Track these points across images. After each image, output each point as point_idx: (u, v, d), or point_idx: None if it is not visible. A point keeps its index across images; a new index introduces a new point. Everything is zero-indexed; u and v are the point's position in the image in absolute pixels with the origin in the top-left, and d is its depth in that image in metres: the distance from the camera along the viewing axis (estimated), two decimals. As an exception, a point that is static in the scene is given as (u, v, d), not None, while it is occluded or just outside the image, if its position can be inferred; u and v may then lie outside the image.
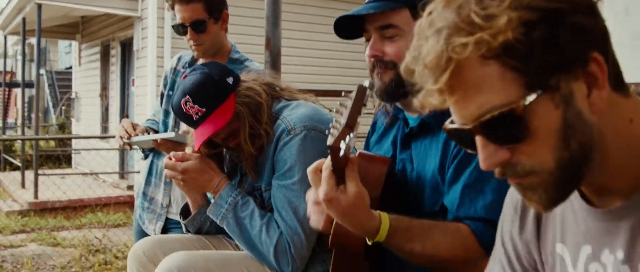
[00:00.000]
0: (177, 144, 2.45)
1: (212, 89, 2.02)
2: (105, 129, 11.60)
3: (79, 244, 6.71)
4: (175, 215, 2.64)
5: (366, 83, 1.26)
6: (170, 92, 2.81)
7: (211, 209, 2.07)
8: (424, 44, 0.88)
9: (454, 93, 0.87)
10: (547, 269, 1.08)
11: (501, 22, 0.82)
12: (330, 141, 1.24)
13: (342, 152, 1.22)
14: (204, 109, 2.01)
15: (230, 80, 2.06)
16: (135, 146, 2.63)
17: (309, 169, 1.43)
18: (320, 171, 1.39)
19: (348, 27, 1.71)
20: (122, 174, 10.65)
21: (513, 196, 1.15)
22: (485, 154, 0.89)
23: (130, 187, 9.70)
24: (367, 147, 2.02)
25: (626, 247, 0.91)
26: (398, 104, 1.79)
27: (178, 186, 2.17)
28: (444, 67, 0.85)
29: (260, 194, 2.11)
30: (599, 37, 0.87)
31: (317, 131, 2.02)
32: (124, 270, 5.76)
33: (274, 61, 2.68)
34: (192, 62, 2.85)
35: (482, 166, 0.90)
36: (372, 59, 1.68)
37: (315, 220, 1.66)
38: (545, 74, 0.84)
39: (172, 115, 2.77)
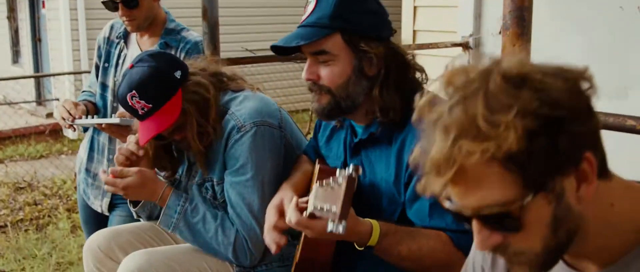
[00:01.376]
0: (122, 128, 2.42)
1: (159, 85, 1.99)
2: (16, 53, 11.02)
3: (3, 183, 6.54)
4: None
5: (351, 171, 1.29)
6: (106, 64, 2.73)
7: (162, 220, 2.09)
8: (431, 139, 0.94)
9: (456, 186, 0.94)
10: None
11: (507, 134, 0.88)
12: (330, 228, 1.27)
13: (328, 230, 1.28)
14: (150, 105, 1.99)
15: (178, 74, 2.03)
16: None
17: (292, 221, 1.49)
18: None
19: (285, 47, 1.72)
20: (40, 102, 10.26)
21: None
22: (480, 238, 0.98)
23: (49, 115, 9.39)
24: (316, 142, 2.07)
25: None
26: None
27: None
28: (450, 166, 0.91)
29: (211, 186, 2.14)
30: (592, 137, 0.95)
31: (267, 126, 2.05)
32: (55, 209, 5.70)
33: (212, 32, 2.63)
34: (126, 33, 2.76)
35: (477, 247, 0.99)
36: (307, 81, 1.72)
37: (269, 240, 1.77)
38: (543, 178, 0.92)
39: (110, 89, 2.71)
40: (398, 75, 1.69)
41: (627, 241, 1.01)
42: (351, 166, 1.27)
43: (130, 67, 2.04)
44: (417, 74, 1.75)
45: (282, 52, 1.77)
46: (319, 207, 1.29)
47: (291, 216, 1.44)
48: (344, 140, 1.87)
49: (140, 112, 2.01)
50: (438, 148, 0.92)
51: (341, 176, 1.28)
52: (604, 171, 0.99)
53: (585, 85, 0.95)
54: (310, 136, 2.21)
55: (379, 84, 1.67)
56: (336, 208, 1.24)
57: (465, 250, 1.52)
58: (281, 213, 1.78)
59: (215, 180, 2.12)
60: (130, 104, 2.00)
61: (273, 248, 1.76)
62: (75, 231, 5.00)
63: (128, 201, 2.31)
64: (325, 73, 1.68)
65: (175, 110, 2.01)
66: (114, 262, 2.19)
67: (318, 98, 1.71)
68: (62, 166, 7.28)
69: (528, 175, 0.91)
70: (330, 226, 1.25)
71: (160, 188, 2.10)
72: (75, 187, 3.10)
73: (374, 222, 1.52)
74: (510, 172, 0.91)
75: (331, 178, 1.31)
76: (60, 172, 6.87)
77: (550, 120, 0.90)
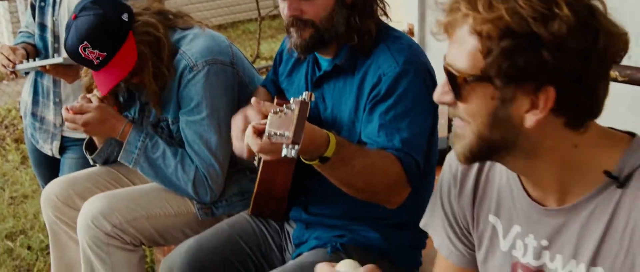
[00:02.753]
0: (68, 68, 2.35)
1: (110, 31, 1.95)
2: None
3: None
4: (70, 132, 2.59)
5: (304, 97, 1.31)
6: (43, 3, 2.60)
7: (122, 155, 2.08)
8: None
9: (448, 33, 1.07)
10: (477, 231, 1.30)
11: (493, 18, 0.98)
12: (284, 152, 1.30)
13: (282, 154, 1.30)
14: (105, 54, 1.95)
15: (125, 16, 1.97)
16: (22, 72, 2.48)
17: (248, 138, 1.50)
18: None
19: None
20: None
21: (451, 168, 1.32)
22: (439, 89, 1.10)
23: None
24: (276, 75, 2.05)
25: (549, 237, 1.15)
26: None
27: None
28: (450, 13, 1.05)
29: (167, 126, 2.13)
30: (563, 78, 0.99)
31: (219, 64, 2.03)
32: (2, 140, 5.57)
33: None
34: None
35: (435, 96, 1.12)
36: (290, 17, 1.70)
37: (239, 147, 1.76)
38: (495, 73, 1.00)
39: (49, 29, 2.59)
40: (371, 4, 1.74)
41: (588, 182, 1.08)
42: (304, 93, 1.31)
43: (74, 17, 1.97)
44: (380, 5, 1.78)
45: None
46: (273, 133, 1.32)
47: (251, 143, 1.45)
48: (306, 73, 1.87)
49: (95, 62, 1.96)
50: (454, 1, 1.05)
51: (294, 102, 1.31)
52: (576, 122, 1.04)
53: (600, 42, 0.99)
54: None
55: (358, 11, 1.70)
56: (289, 133, 1.27)
57: (410, 174, 1.59)
58: (246, 122, 1.79)
59: (170, 119, 2.11)
60: (83, 55, 1.95)
61: (245, 154, 1.74)
62: (26, 162, 4.90)
63: (83, 148, 2.28)
64: (308, 6, 1.68)
65: (131, 55, 1.98)
66: (73, 209, 2.19)
67: (300, 33, 1.71)
68: (3, 94, 7.03)
69: (487, 61, 1.00)
70: (284, 151, 1.29)
71: (120, 124, 2.09)
72: (21, 117, 3.00)
73: (331, 133, 1.53)
74: (478, 51, 1.01)
75: (285, 105, 1.33)
76: (2, 103, 6.65)
77: (534, 34, 0.97)
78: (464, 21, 1.03)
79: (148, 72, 1.99)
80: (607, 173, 1.05)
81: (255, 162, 2.01)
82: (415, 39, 3.89)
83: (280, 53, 2.04)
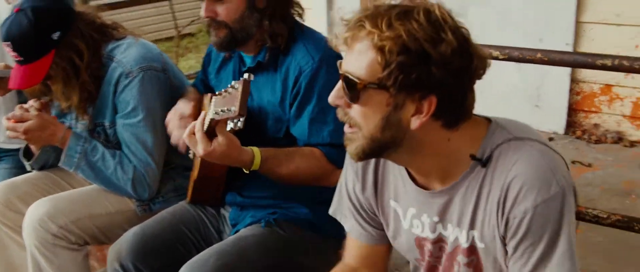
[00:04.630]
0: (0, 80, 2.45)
1: (33, 43, 2.09)
2: None
3: None
4: (1, 143, 2.69)
5: (245, 77, 1.52)
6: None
7: (64, 160, 2.21)
8: (362, 12, 1.26)
9: (348, 45, 1.27)
10: (384, 215, 1.54)
11: (392, 35, 1.19)
12: (230, 126, 1.52)
13: (228, 128, 1.51)
14: (21, 58, 2.11)
15: (56, 35, 2.10)
16: None
17: (185, 136, 1.74)
18: (194, 133, 1.71)
19: None
20: None
21: (352, 165, 1.55)
22: (335, 93, 1.30)
23: None
24: (205, 75, 2.27)
25: (439, 213, 1.41)
26: None
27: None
28: (350, 29, 1.25)
29: (103, 130, 2.28)
30: (447, 89, 1.23)
31: (152, 70, 2.21)
32: None
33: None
34: None
35: (329, 99, 1.31)
36: (206, 18, 1.93)
37: (176, 136, 2.00)
38: (392, 83, 1.21)
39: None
40: (283, 6, 1.96)
41: (462, 164, 1.34)
42: (245, 74, 1.51)
43: (16, 10, 2.09)
44: (295, 8, 2.01)
45: None
46: (219, 111, 1.51)
47: (199, 146, 1.68)
48: (233, 70, 2.10)
49: (14, 59, 2.12)
50: (359, 15, 1.25)
51: (237, 82, 1.51)
52: (450, 122, 1.29)
53: (474, 63, 1.24)
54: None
55: (269, 15, 1.92)
56: (235, 107, 1.47)
57: (337, 163, 1.84)
58: (180, 114, 2.06)
59: (107, 124, 2.26)
60: (5, 49, 2.12)
61: (182, 146, 1.99)
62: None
63: (21, 155, 2.39)
64: (221, 10, 1.90)
65: (43, 69, 2.12)
66: (14, 212, 2.30)
67: (216, 33, 1.94)
68: None
69: (385, 72, 1.21)
70: (230, 125, 1.49)
71: (60, 130, 2.21)
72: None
73: (255, 149, 1.78)
74: (377, 63, 1.21)
75: (228, 87, 1.53)
76: None
77: (426, 53, 1.19)
78: (365, 37, 1.22)
79: (57, 89, 2.16)
80: (472, 156, 1.32)
81: (191, 155, 2.21)
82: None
83: (208, 54, 2.25)
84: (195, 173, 2.02)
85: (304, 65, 1.89)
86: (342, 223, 1.65)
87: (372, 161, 1.50)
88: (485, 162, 1.31)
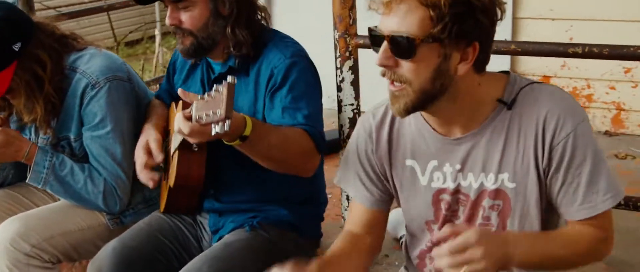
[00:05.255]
0: None
1: None
2: None
3: None
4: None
5: (229, 80, 1.49)
6: None
7: (31, 177, 2.14)
8: None
9: (390, 9, 1.34)
10: (397, 176, 1.60)
11: None
12: (215, 130, 1.48)
13: (213, 133, 1.50)
14: None
15: (17, 46, 2.03)
16: None
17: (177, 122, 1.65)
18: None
19: None
20: None
21: (365, 128, 1.62)
22: (383, 55, 1.36)
23: None
24: (170, 84, 2.24)
25: (461, 161, 1.49)
26: None
27: None
28: None
29: (68, 144, 2.22)
30: (485, 35, 1.35)
31: (118, 80, 2.17)
32: None
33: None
34: None
35: (378, 62, 1.37)
36: (171, 26, 1.92)
37: (145, 178, 1.99)
38: (444, 35, 1.31)
39: None
40: (247, 14, 1.96)
41: (486, 110, 1.45)
42: (229, 77, 1.49)
43: None
44: (260, 13, 2.01)
45: (143, 2, 1.96)
46: (203, 116, 1.50)
47: (183, 126, 1.60)
48: (201, 78, 2.08)
49: None
50: None
51: (221, 86, 1.49)
52: (481, 67, 1.40)
53: (501, 8, 1.37)
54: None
55: (232, 22, 1.92)
56: (221, 111, 1.46)
57: (318, 142, 1.83)
58: (149, 152, 2.01)
59: (72, 137, 2.20)
60: None
61: (150, 184, 1.98)
62: None
63: None
64: (186, 18, 1.89)
65: (3, 82, 2.04)
66: (-21, 233, 2.20)
67: (182, 40, 1.92)
68: None
69: (437, 26, 1.30)
70: (216, 128, 1.47)
71: (26, 145, 2.14)
72: None
73: (245, 115, 1.72)
74: (429, 18, 1.30)
75: (212, 90, 1.51)
76: None
77: (471, 3, 1.31)
78: None
79: (19, 104, 2.09)
80: (499, 100, 1.43)
81: (162, 164, 2.18)
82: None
83: (173, 63, 2.23)
84: (171, 182, 2.00)
85: (276, 63, 1.90)
86: (346, 190, 1.70)
87: (386, 125, 1.57)
88: (510, 105, 1.42)
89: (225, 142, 1.69)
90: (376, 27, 1.39)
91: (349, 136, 1.98)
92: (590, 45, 1.60)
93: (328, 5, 2.09)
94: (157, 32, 7.04)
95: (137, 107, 2.24)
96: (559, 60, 4.26)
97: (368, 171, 1.64)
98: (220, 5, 1.91)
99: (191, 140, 1.66)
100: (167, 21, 1.92)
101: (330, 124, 2.29)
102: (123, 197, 2.21)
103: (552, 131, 1.39)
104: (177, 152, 1.91)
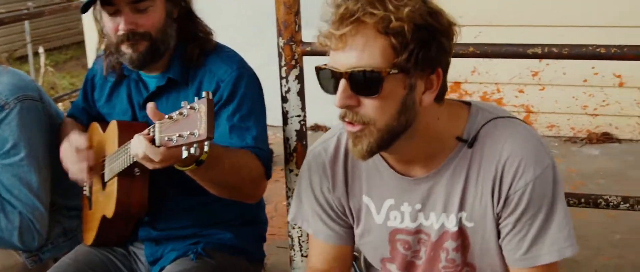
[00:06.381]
0: None
1: None
2: None
3: None
4: None
5: (205, 96, 1.31)
6: None
7: None
8: (354, 3, 1.18)
9: (345, 43, 1.19)
10: (354, 211, 1.47)
11: (403, 15, 1.15)
12: (190, 152, 1.31)
13: (184, 156, 1.32)
14: None
15: None
16: None
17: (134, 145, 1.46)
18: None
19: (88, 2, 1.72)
20: None
21: (318, 162, 1.47)
22: (343, 95, 1.21)
23: None
24: (88, 103, 2.02)
25: (422, 201, 1.37)
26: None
27: None
28: (351, 21, 1.17)
29: None
30: (447, 60, 1.25)
31: (30, 100, 1.95)
32: None
33: None
34: None
35: (338, 103, 1.22)
36: (125, 32, 1.72)
37: (74, 171, 1.78)
38: (408, 64, 1.18)
39: None
40: (192, 12, 1.84)
41: (447, 147, 1.34)
42: (203, 92, 1.31)
43: None
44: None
45: (85, 8, 1.75)
46: (173, 137, 1.31)
47: (151, 153, 1.40)
48: (128, 94, 1.89)
49: None
50: (348, 6, 1.17)
51: (198, 103, 1.30)
52: (440, 97, 1.28)
53: (455, 31, 1.25)
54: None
55: (186, 21, 1.80)
56: (200, 130, 1.27)
57: (267, 166, 1.72)
58: (75, 146, 1.80)
59: (-22, 167, 1.94)
60: None
61: (84, 175, 1.78)
62: None
63: None
64: (145, 20, 1.71)
65: None
66: None
67: (135, 47, 1.73)
68: None
69: (401, 55, 1.18)
70: (191, 150, 1.29)
71: None
72: None
73: None
74: (391, 47, 1.17)
75: (183, 108, 1.33)
76: None
77: (433, 27, 1.19)
78: (372, 25, 1.17)
79: None
80: (459, 138, 1.32)
81: (86, 191, 1.96)
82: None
83: (90, 79, 2.01)
84: (107, 211, 1.78)
85: (222, 75, 1.77)
86: (303, 228, 1.56)
87: (341, 157, 1.44)
88: (471, 143, 1.31)
89: (177, 167, 1.52)
90: (325, 65, 1.24)
91: (295, 150, 1.86)
92: (550, 46, 1.57)
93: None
94: (40, 50, 6.60)
95: (51, 130, 2.02)
96: (469, 66, 4.36)
97: (327, 209, 1.50)
98: (172, 6, 1.78)
99: (152, 165, 1.46)
100: (122, 28, 1.72)
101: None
102: (41, 231, 1.97)
103: (510, 179, 1.29)
104: (115, 178, 1.71)
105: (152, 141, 1.41)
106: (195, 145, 1.29)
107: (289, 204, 1.94)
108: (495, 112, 1.36)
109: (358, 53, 1.19)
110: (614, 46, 1.56)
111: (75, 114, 2.07)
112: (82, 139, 1.83)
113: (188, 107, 1.32)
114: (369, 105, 1.22)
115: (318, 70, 1.26)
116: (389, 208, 1.41)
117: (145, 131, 1.44)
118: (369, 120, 1.23)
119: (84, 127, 2.02)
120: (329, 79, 1.23)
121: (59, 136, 1.99)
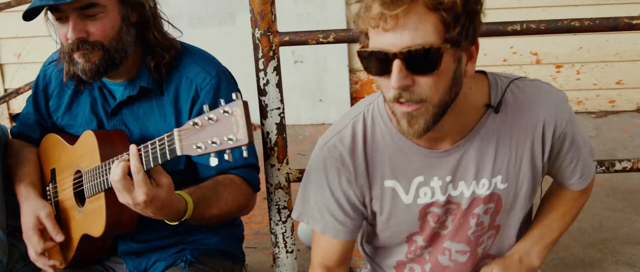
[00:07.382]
0: None
1: None
2: None
3: None
4: None
5: (235, 97, 1.22)
6: None
7: None
8: None
9: (397, 22, 1.15)
10: (376, 199, 1.44)
11: None
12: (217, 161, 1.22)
13: (213, 164, 1.23)
14: None
15: None
16: None
17: (116, 177, 1.36)
18: (130, 175, 1.36)
19: (33, 9, 1.57)
20: None
21: (334, 156, 1.42)
22: (400, 75, 1.18)
23: None
24: (41, 114, 1.88)
25: (452, 172, 1.39)
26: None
27: None
28: (404, 2, 1.14)
29: None
30: (480, 28, 1.24)
31: None
32: None
33: None
34: None
35: (395, 84, 1.19)
36: (73, 41, 1.58)
37: (44, 263, 1.69)
38: (460, 37, 1.18)
39: None
40: (157, 17, 1.70)
41: (474, 116, 1.36)
42: (233, 94, 1.22)
43: None
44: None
45: (29, 16, 1.59)
46: (207, 143, 1.20)
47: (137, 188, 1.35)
48: (91, 104, 1.76)
49: None
50: None
51: (226, 106, 1.20)
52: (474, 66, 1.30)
53: None
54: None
55: (145, 27, 1.67)
56: (239, 135, 1.17)
57: (254, 185, 1.68)
58: (42, 233, 1.69)
59: None
60: None
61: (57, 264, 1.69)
62: None
63: None
64: (95, 28, 1.58)
65: None
66: None
67: (87, 57, 1.59)
68: None
69: (454, 30, 1.17)
70: (224, 155, 1.20)
71: None
72: None
73: (185, 194, 1.50)
74: (442, 23, 1.16)
75: (209, 112, 1.22)
76: None
77: (475, 2, 1.20)
78: (416, 5, 1.15)
79: None
80: (488, 105, 1.36)
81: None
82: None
83: (43, 89, 1.85)
84: (94, 230, 1.64)
85: (201, 83, 1.68)
86: (309, 225, 1.52)
87: (359, 146, 1.41)
88: (497, 108, 1.35)
89: (166, 221, 1.48)
90: (367, 47, 1.22)
91: (276, 144, 1.80)
92: (528, 22, 1.62)
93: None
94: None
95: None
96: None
97: (342, 204, 1.46)
98: (129, 11, 1.64)
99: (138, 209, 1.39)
100: (70, 36, 1.58)
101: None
102: (2, 258, 1.81)
103: (551, 132, 1.39)
104: (102, 194, 1.58)
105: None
106: (227, 151, 1.20)
107: (270, 201, 1.89)
108: (508, 76, 1.42)
109: (411, 32, 1.16)
110: (587, 19, 1.63)
111: (24, 130, 1.91)
112: (41, 205, 1.72)
113: (220, 111, 1.21)
114: (424, 83, 1.20)
115: (362, 54, 1.22)
116: (418, 185, 1.42)
117: (133, 151, 1.36)
118: (425, 97, 1.21)
119: (36, 142, 1.88)
120: (378, 61, 1.20)
121: (7, 161, 1.84)
